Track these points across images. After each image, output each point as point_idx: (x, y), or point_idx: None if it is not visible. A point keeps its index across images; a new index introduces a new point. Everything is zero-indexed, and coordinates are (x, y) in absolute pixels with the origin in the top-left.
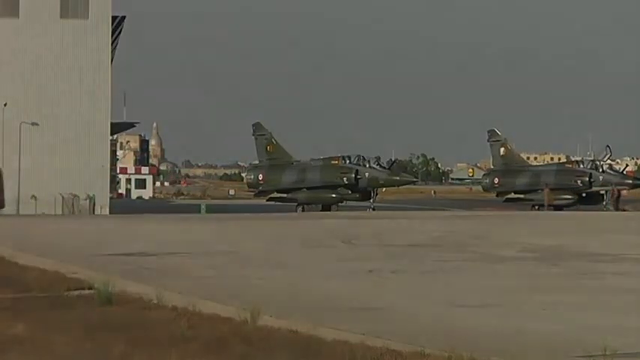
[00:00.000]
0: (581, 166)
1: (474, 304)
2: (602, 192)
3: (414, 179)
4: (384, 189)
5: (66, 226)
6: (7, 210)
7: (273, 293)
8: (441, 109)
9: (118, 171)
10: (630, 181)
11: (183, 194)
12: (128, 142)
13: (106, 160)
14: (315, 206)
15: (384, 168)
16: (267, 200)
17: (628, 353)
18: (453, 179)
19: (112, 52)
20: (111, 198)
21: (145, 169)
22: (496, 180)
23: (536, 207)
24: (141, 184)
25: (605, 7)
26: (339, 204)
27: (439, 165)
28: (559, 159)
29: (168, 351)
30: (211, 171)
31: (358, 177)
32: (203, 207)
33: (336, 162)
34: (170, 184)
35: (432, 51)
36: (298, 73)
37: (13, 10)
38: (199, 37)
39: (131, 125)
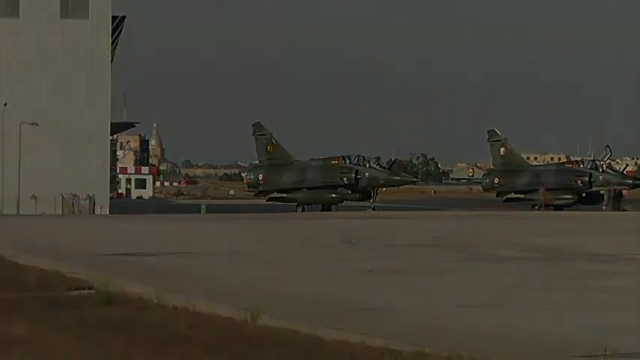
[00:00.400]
0: (581, 166)
1: (474, 304)
2: (602, 192)
3: (414, 179)
4: (384, 189)
5: (66, 226)
6: (7, 210)
7: (273, 293)
8: (441, 109)
9: (118, 171)
10: (630, 181)
11: (183, 194)
12: (128, 142)
13: (106, 160)
14: (315, 206)
15: (384, 168)
16: (267, 200)
17: (628, 353)
18: (452, 179)
19: (112, 52)
20: (111, 198)
21: (145, 169)
22: (496, 180)
23: (536, 207)
24: (141, 184)
25: (605, 6)
26: (339, 204)
27: (439, 165)
28: (559, 159)
29: (168, 351)
30: (211, 171)
31: (358, 177)
32: (203, 207)
33: (336, 162)
34: (170, 183)
35: (433, 51)
36: (298, 73)
37: (13, 10)
38: (199, 36)
39: (131, 125)
